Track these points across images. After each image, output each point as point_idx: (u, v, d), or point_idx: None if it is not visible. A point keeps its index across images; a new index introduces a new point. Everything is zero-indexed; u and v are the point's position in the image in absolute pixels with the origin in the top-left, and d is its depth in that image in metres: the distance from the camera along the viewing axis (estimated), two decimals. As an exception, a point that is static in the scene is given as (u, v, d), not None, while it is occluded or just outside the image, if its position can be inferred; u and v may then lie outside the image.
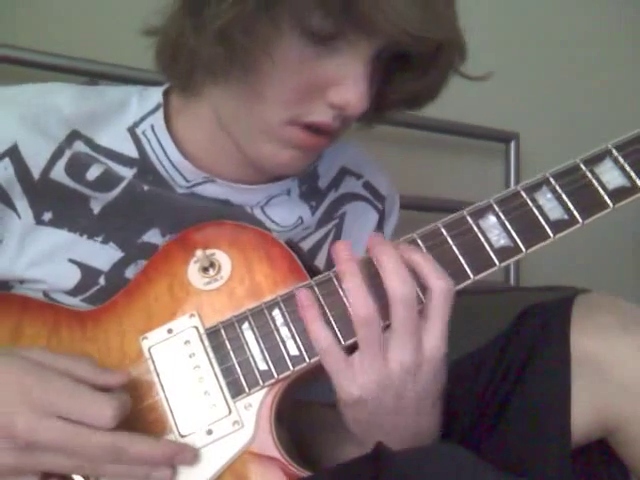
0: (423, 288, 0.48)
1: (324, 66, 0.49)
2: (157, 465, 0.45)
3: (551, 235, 0.49)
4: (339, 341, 0.48)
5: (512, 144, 1.33)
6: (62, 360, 0.45)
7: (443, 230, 0.49)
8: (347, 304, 0.48)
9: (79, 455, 0.42)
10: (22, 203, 0.54)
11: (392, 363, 0.46)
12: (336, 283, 0.49)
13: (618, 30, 1.45)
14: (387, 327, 0.46)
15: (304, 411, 0.58)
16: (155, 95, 0.59)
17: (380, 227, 0.70)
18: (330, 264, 0.64)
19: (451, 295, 0.47)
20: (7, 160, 0.53)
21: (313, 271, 0.52)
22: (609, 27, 1.45)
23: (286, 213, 0.62)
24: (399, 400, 0.47)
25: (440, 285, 0.46)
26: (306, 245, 0.64)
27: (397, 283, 0.46)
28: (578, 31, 1.43)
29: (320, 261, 0.64)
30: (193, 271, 0.52)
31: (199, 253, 0.51)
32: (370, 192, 0.69)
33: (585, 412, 0.56)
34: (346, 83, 0.49)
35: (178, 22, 0.51)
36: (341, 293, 0.49)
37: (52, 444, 0.42)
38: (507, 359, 0.62)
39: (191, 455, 0.46)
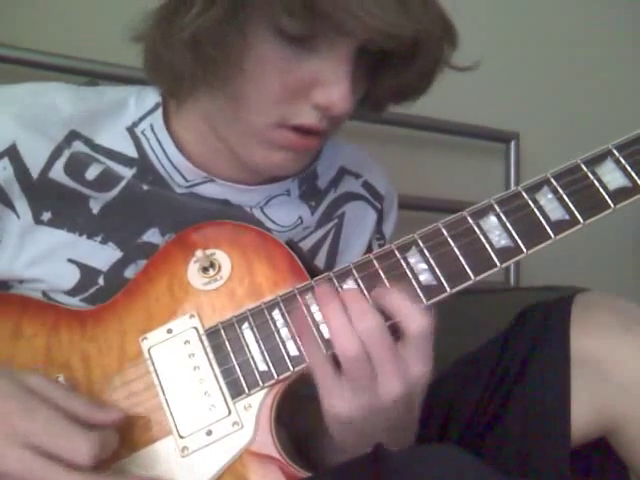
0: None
1: (305, 67, 0.49)
2: None
3: (552, 235, 0.48)
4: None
5: (512, 144, 1.33)
6: (57, 391, 0.44)
7: (444, 230, 0.49)
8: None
9: None
10: (21, 203, 0.54)
11: (381, 392, 0.45)
12: (336, 284, 0.49)
13: (618, 30, 1.45)
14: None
15: (306, 407, 0.58)
16: (153, 94, 0.59)
17: (379, 226, 0.70)
18: (330, 264, 0.64)
19: (429, 332, 0.45)
20: (6, 160, 0.53)
21: (313, 271, 0.52)
22: (609, 27, 1.45)
23: (285, 213, 0.62)
24: (388, 420, 0.46)
25: (415, 328, 0.45)
26: (306, 245, 0.64)
27: (359, 320, 0.44)
28: (578, 31, 1.43)
29: (319, 261, 0.64)
30: (193, 271, 0.52)
31: (199, 253, 0.51)
32: (369, 192, 0.69)
33: (585, 411, 0.56)
34: (329, 84, 0.49)
35: (153, 31, 0.51)
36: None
37: (18, 476, 0.40)
38: (507, 358, 0.62)
39: (159, 465, 0.46)
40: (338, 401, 0.45)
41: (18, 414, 0.41)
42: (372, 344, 0.44)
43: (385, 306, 0.46)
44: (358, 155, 0.70)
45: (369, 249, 0.68)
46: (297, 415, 0.55)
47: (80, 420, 0.43)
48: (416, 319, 0.45)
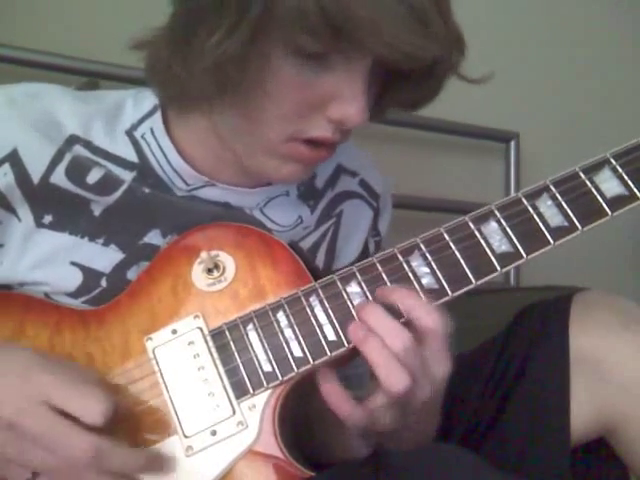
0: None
1: (321, 82, 0.49)
2: (131, 476, 0.45)
3: (551, 241, 0.49)
4: (342, 343, 0.48)
5: (512, 144, 1.33)
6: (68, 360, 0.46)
7: (445, 235, 0.50)
8: (350, 307, 0.48)
9: (59, 452, 0.42)
10: (22, 207, 0.54)
11: (414, 398, 0.45)
12: (339, 286, 0.49)
13: (618, 30, 1.45)
14: None
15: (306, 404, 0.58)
16: (150, 96, 0.58)
17: (375, 224, 0.70)
18: (328, 262, 0.65)
19: (446, 329, 0.45)
20: (7, 166, 0.53)
21: (315, 273, 0.52)
22: (609, 27, 1.45)
23: (285, 213, 0.62)
24: (416, 422, 0.47)
25: (433, 327, 0.45)
26: (306, 244, 0.64)
27: (393, 342, 0.45)
28: (578, 31, 1.43)
29: (319, 259, 0.65)
30: (197, 272, 0.52)
31: (204, 254, 0.51)
32: (365, 190, 0.69)
33: (584, 411, 0.57)
34: (345, 98, 0.49)
35: (166, 48, 0.50)
36: (344, 296, 0.49)
37: (35, 432, 0.42)
38: (506, 358, 0.63)
39: (163, 464, 0.47)
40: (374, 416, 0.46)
41: (38, 369, 0.44)
42: (408, 363, 0.44)
43: (399, 307, 0.47)
44: (354, 152, 0.70)
45: (365, 246, 0.69)
46: (299, 409, 0.55)
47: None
48: (434, 318, 0.45)
